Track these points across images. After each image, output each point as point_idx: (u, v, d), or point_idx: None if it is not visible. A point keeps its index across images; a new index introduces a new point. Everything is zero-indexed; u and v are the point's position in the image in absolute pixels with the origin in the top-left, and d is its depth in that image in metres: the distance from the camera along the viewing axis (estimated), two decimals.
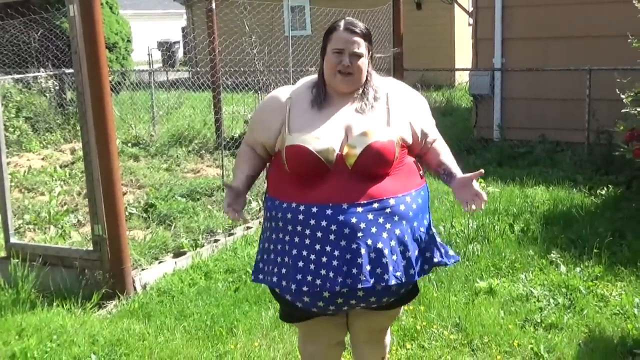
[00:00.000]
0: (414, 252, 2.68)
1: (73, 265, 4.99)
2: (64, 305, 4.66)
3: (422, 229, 2.74)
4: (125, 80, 13.22)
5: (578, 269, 4.98)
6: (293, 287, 2.63)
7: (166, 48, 24.19)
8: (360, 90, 2.79)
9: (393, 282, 2.61)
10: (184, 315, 4.53)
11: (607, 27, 8.46)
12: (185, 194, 7.18)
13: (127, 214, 6.14)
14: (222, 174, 7.56)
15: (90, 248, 5.01)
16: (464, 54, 16.11)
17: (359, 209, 2.59)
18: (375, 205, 2.61)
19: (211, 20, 8.31)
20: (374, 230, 2.60)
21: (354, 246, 2.57)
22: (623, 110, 6.42)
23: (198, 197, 7.15)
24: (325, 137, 2.66)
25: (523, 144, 8.98)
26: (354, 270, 2.57)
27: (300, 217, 2.63)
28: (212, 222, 6.17)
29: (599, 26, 8.59)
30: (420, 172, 2.85)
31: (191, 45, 16.39)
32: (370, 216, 2.60)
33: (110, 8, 13.92)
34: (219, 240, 5.90)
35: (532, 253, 5.32)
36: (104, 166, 4.72)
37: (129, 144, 10.26)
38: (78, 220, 6.50)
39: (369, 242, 2.58)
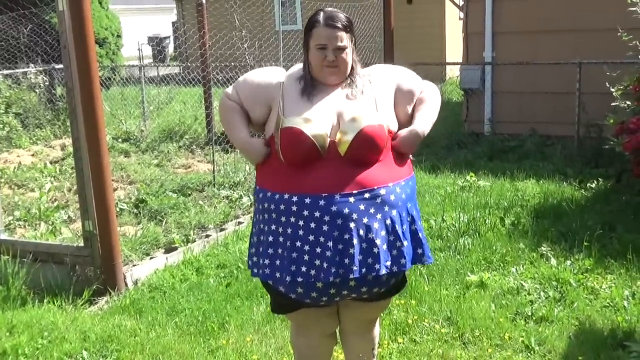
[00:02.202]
0: (404, 241, 2.68)
1: (64, 262, 4.97)
2: (55, 301, 4.64)
3: (410, 219, 2.75)
4: (115, 75, 13.12)
5: (568, 262, 4.98)
6: (287, 278, 2.63)
7: (156, 43, 24.03)
8: (348, 80, 2.82)
9: (384, 271, 2.62)
10: (175, 311, 4.51)
11: (597, 20, 8.47)
12: (177, 190, 7.13)
13: (117, 209, 6.11)
14: (214, 169, 7.53)
15: (81, 244, 4.98)
16: (454, 48, 16.09)
17: (351, 199, 2.60)
18: (367, 195, 2.62)
19: (201, 15, 8.26)
20: (365, 220, 2.60)
21: (347, 236, 2.58)
22: (613, 104, 6.47)
23: (189, 192, 7.11)
24: (318, 122, 2.67)
25: (513, 138, 8.99)
26: (346, 261, 2.58)
27: (294, 208, 2.63)
28: (203, 218, 6.14)
29: (589, 20, 8.59)
30: (409, 159, 2.86)
31: (181, 40, 16.32)
32: (362, 206, 2.60)
33: (100, 3, 13.85)
34: (210, 235, 5.88)
35: (523, 246, 5.32)
36: (94, 162, 4.69)
37: (120, 140, 10.19)
38: (68, 217, 6.44)
39: (361, 232, 2.59)
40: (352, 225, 2.58)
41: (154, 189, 7.15)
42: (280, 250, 2.67)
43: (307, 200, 2.61)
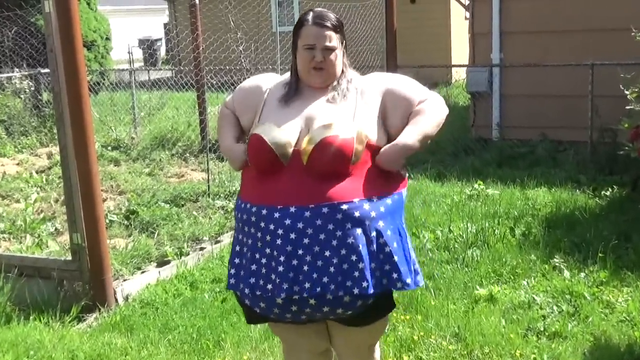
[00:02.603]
0: (369, 263, 2.52)
1: (51, 276, 4.93)
2: (42, 318, 4.58)
3: (382, 240, 2.56)
4: (104, 80, 13.29)
5: (582, 274, 4.92)
6: (246, 290, 2.61)
7: (147, 46, 24.13)
8: (335, 82, 2.75)
9: (340, 292, 2.50)
10: (168, 328, 4.46)
11: (610, 20, 8.40)
12: (169, 200, 7.10)
13: (107, 221, 6.04)
14: (208, 178, 7.50)
15: (69, 258, 4.95)
16: (460, 50, 16.06)
17: (307, 214, 2.50)
18: (325, 210, 2.50)
19: (194, 16, 8.28)
20: (322, 237, 2.50)
21: (300, 252, 2.50)
22: (627, 107, 6.41)
23: (182, 202, 7.07)
24: (285, 129, 2.61)
25: (523, 144, 8.91)
26: (300, 277, 2.50)
27: (253, 218, 2.60)
28: (197, 229, 6.09)
29: (602, 19, 8.52)
30: (401, 175, 2.70)
31: (174, 42, 16.34)
32: (318, 222, 2.50)
33: (88, 4, 13.99)
34: (205, 248, 5.82)
35: (534, 258, 5.25)
36: (82, 171, 4.67)
37: (109, 148, 10.17)
38: (56, 229, 6.40)
39: (316, 249, 2.50)
40: (306, 241, 2.50)
41: (145, 199, 7.12)
42: (243, 262, 2.66)
43: (264, 212, 2.56)
